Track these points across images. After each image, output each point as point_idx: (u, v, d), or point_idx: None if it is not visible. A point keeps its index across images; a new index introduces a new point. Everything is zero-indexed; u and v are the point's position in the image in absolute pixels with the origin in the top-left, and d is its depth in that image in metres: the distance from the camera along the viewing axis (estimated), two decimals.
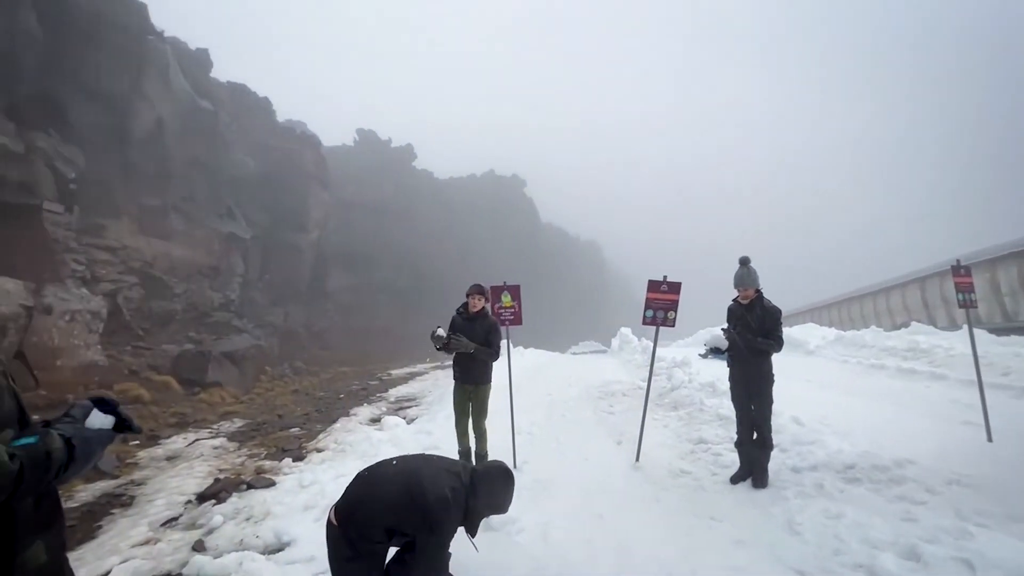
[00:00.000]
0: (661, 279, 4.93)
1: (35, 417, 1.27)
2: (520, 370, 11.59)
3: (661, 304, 4.85)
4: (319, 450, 6.14)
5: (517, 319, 5.24)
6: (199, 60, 21.53)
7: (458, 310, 4.67)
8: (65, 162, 12.43)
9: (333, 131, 39.55)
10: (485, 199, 47.49)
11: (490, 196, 48.33)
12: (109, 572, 3.32)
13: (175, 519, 4.26)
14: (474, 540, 2.61)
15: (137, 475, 5.61)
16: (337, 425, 7.62)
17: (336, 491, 4.43)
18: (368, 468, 2.57)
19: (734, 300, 4.43)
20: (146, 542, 3.81)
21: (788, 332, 12.83)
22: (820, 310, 23.41)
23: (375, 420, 7.82)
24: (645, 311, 4.91)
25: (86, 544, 3.84)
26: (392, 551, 2.46)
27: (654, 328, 5.00)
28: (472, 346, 4.34)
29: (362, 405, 9.59)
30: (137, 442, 6.97)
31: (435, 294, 34.25)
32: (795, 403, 5.83)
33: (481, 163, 57.21)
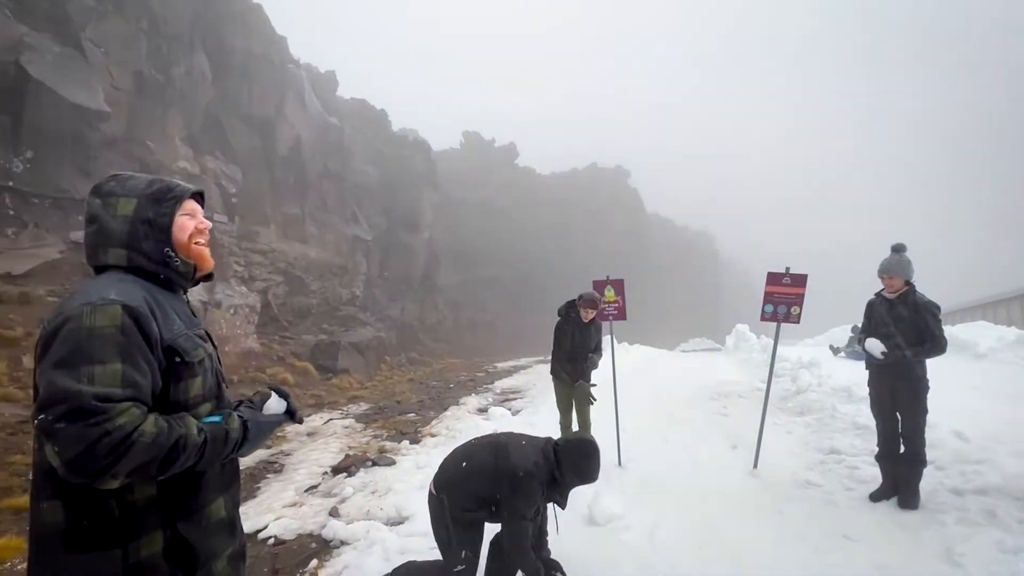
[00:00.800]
0: (783, 271, 4.49)
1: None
2: (625, 367, 11.31)
3: (783, 298, 4.42)
4: (433, 435, 6.59)
5: (621, 314, 5.13)
6: (327, 81, 24.12)
7: (560, 311, 4.73)
8: (228, 179, 14.75)
9: (442, 135, 41.77)
10: (587, 192, 46.82)
11: (592, 189, 47.53)
12: (266, 527, 3.91)
13: (315, 487, 4.87)
14: (558, 518, 2.74)
15: (285, 447, 6.50)
16: (448, 413, 8.10)
17: None
18: (462, 444, 2.78)
19: (877, 294, 3.85)
20: (293, 504, 4.42)
21: (952, 331, 10.90)
22: (994, 305, 19.51)
23: (482, 410, 8.17)
24: (764, 306, 4.51)
25: (248, 502, 4.56)
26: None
27: (774, 325, 4.57)
28: (596, 362, 4.64)
29: (470, 395, 10.07)
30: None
31: (539, 289, 34.69)
32: (958, 414, 4.96)
33: (583, 157, 56.43)
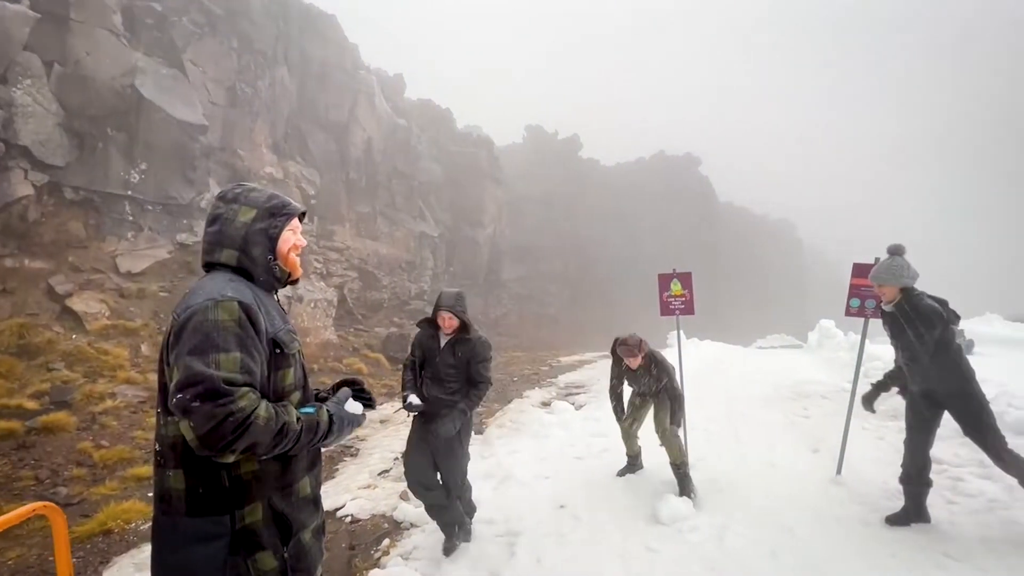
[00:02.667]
0: (872, 262, 4.11)
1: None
2: (694, 363, 10.87)
3: (871, 292, 4.04)
4: (498, 427, 6.73)
5: (688, 308, 4.94)
6: (395, 84, 25.07)
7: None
8: (308, 183, 15.81)
9: (505, 130, 42.11)
10: (655, 182, 45.19)
11: (661, 178, 45.80)
12: (344, 505, 4.20)
13: (387, 471, 5.15)
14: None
15: (360, 433, 6.92)
16: (512, 405, 8.22)
17: (511, 464, 4.84)
18: None
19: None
20: (368, 486, 4.71)
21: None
22: None
23: (545, 403, 8.22)
24: (850, 300, 4.16)
25: (328, 482, 4.92)
26: None
27: (862, 321, 4.21)
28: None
29: (534, 389, 10.15)
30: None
31: (604, 283, 34.15)
32: None
33: (650, 146, 54.51)
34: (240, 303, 1.29)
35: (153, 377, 7.93)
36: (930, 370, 3.22)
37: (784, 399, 7.49)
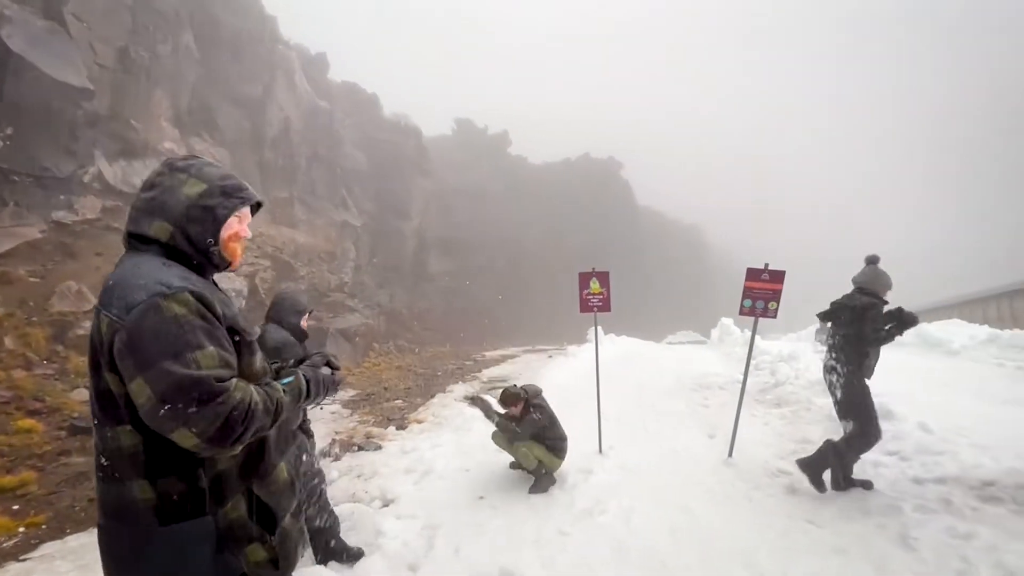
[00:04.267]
0: (762, 267, 4.61)
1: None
2: (610, 357, 11.48)
3: (761, 294, 4.55)
4: (419, 421, 6.68)
5: (606, 306, 5.23)
6: (318, 63, 23.71)
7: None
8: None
9: (433, 121, 41.38)
10: (580, 183, 46.81)
11: (585, 180, 47.52)
12: None
13: None
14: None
15: None
16: (435, 400, 8.19)
17: (433, 458, 4.85)
18: None
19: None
20: None
21: (927, 329, 11.22)
22: (971, 305, 20.03)
23: (469, 398, 8.28)
24: (743, 300, 4.64)
25: None
26: None
27: (753, 319, 4.71)
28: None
29: (458, 383, 10.18)
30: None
31: (529, 279, 34.82)
32: (924, 408, 5.17)
33: (576, 147, 56.28)
34: (191, 292, 1.17)
35: (18, 375, 6.94)
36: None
37: (687, 390, 8.16)
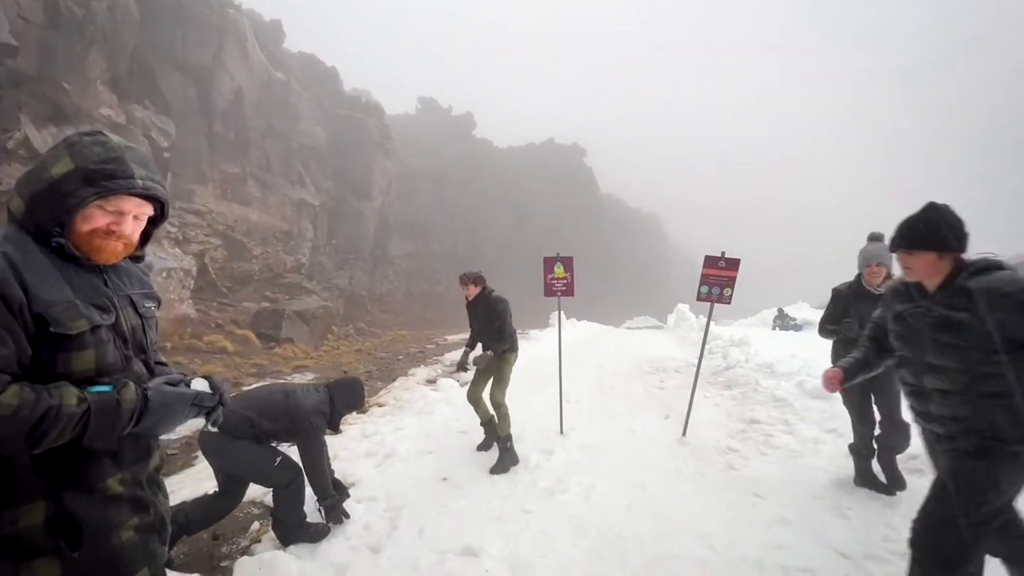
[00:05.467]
0: (719, 255, 4.79)
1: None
2: (571, 341, 11.69)
3: (717, 280, 4.73)
4: (380, 405, 6.61)
5: (569, 290, 5.30)
6: (273, 31, 22.48)
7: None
8: (159, 132, 13.61)
9: (396, 99, 40.27)
10: (544, 168, 46.94)
11: (549, 165, 47.69)
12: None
13: None
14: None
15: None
16: (396, 384, 8.12)
17: (395, 441, 4.83)
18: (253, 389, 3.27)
19: (850, 284, 3.54)
20: None
21: None
22: None
23: (431, 381, 8.25)
24: (700, 287, 4.81)
25: (186, 471, 4.45)
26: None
27: (709, 305, 4.90)
28: (488, 356, 4.30)
29: (419, 367, 10.11)
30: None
31: (492, 263, 34.80)
32: None
33: (541, 132, 56.20)
34: None
35: None
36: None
37: (645, 373, 8.43)
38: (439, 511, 3.44)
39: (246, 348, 11.32)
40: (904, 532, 2.87)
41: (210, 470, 4.14)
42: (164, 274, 10.92)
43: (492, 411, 4.40)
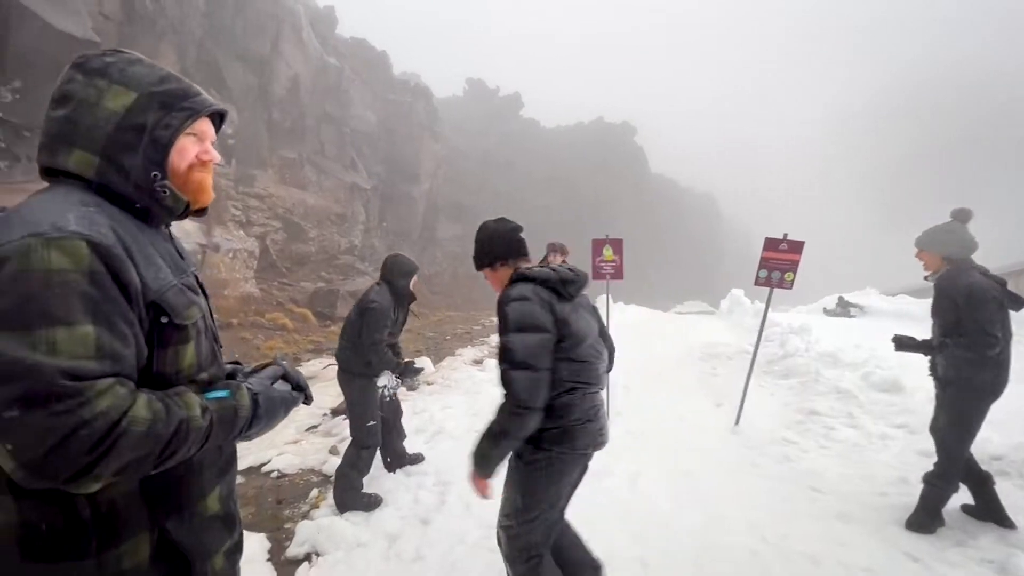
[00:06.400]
0: (781, 237, 4.52)
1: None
2: (619, 326, 11.50)
3: (778, 264, 4.48)
4: (429, 383, 6.80)
5: (618, 274, 5.20)
6: (326, 17, 23.01)
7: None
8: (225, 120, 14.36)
9: (444, 81, 40.37)
10: (592, 147, 45.82)
11: (598, 144, 46.48)
12: (269, 461, 4.12)
13: (315, 426, 5.09)
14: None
15: None
16: (444, 363, 8.32)
17: (443, 419, 4.96)
18: None
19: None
20: (295, 442, 4.64)
21: None
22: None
23: (477, 361, 8.39)
24: (759, 271, 4.58)
25: None
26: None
27: (767, 290, 4.66)
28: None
29: (466, 347, 10.30)
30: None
31: (539, 245, 34.55)
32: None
33: (590, 111, 54.81)
34: (92, 243, 0.81)
35: None
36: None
37: (696, 359, 8.19)
38: None
39: (304, 325, 11.92)
40: (984, 539, 2.67)
41: (270, 439, 4.42)
42: (231, 255, 11.62)
43: None
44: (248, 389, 1.02)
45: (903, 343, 3.03)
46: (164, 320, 0.92)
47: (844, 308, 14.01)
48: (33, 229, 0.79)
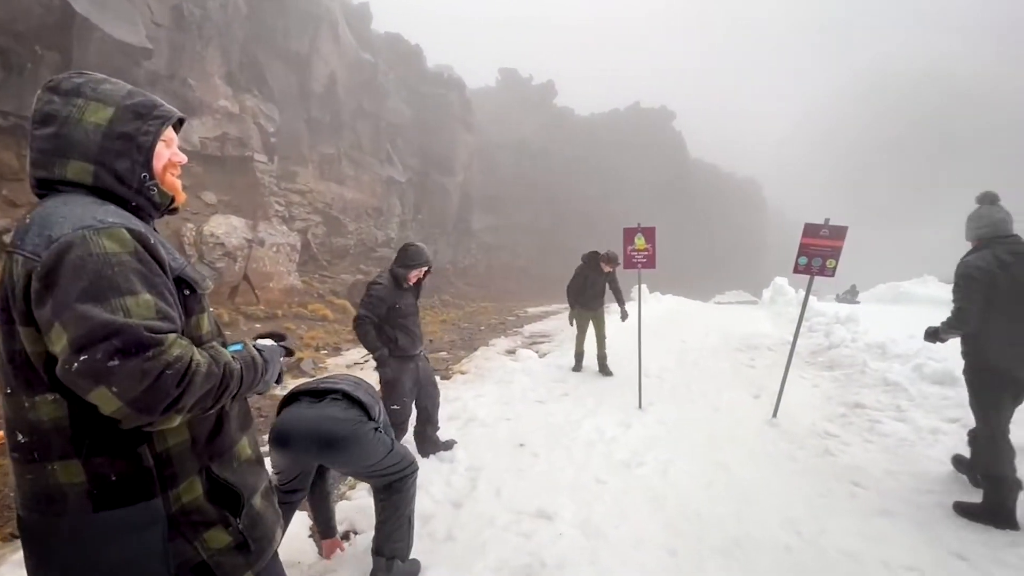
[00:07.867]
0: (822, 222, 4.33)
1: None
2: (654, 316, 11.32)
3: (819, 251, 4.29)
4: (462, 372, 6.93)
5: (650, 263, 5.11)
6: (361, 14, 23.40)
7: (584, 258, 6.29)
8: (266, 119, 14.90)
9: (476, 72, 40.37)
10: (629, 134, 44.81)
11: (634, 130, 45.41)
12: None
13: None
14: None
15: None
16: (478, 353, 8.44)
17: (475, 407, 5.05)
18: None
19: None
20: None
21: None
22: None
23: (511, 351, 8.46)
24: (798, 258, 4.40)
25: None
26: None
27: (808, 278, 4.48)
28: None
29: (500, 337, 10.40)
30: (326, 351, 8.64)
31: (573, 235, 34.36)
32: None
33: (626, 97, 53.48)
34: (130, 230, 0.97)
35: None
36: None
37: (733, 350, 7.97)
38: (515, 474, 3.57)
39: (344, 316, 12.34)
40: None
41: None
42: (274, 248, 12.13)
43: (595, 345, 6.43)
44: (252, 345, 1.25)
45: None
46: (187, 292, 1.10)
47: (853, 295, 15.53)
48: (80, 223, 0.94)
